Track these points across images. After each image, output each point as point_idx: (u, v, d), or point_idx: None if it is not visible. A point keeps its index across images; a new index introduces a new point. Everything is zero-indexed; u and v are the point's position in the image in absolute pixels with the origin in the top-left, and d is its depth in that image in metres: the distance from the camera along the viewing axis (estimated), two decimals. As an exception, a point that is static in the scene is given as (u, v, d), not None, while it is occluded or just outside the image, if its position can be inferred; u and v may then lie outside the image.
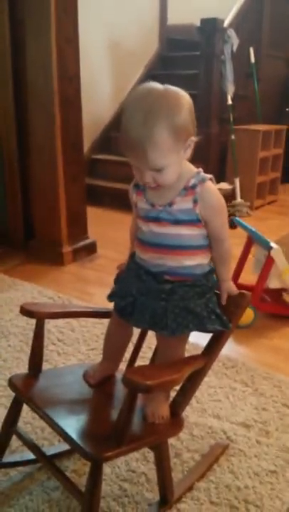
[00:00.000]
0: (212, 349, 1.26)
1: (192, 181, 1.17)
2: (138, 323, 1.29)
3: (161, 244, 1.22)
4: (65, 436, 1.15)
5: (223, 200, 1.21)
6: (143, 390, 1.09)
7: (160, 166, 1.10)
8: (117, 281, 1.36)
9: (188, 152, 1.16)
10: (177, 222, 1.19)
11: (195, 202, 1.17)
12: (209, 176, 1.19)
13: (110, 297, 1.35)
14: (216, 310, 1.24)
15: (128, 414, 1.10)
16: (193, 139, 1.15)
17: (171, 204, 1.18)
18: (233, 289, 1.28)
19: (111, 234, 3.61)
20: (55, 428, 1.19)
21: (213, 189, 1.19)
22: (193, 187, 1.17)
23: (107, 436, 1.13)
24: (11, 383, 1.33)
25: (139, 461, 1.53)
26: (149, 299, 1.24)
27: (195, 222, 1.19)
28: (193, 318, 1.21)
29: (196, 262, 1.23)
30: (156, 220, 1.21)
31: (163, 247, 1.22)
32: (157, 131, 1.06)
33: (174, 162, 1.12)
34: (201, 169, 1.20)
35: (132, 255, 1.33)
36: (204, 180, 1.17)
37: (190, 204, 1.17)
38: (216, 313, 1.23)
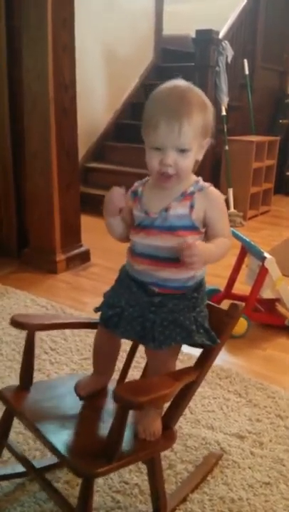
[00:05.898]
0: (203, 363, 1.24)
1: (190, 189, 1.18)
2: (124, 334, 1.26)
3: (154, 256, 1.19)
4: (55, 452, 1.13)
5: (225, 204, 1.23)
6: (134, 407, 1.08)
7: (188, 146, 1.11)
8: (106, 292, 1.33)
9: (202, 153, 1.18)
10: (171, 228, 1.17)
11: (192, 207, 1.16)
12: (208, 184, 1.20)
13: (98, 308, 1.32)
14: (204, 324, 1.22)
15: (119, 430, 1.08)
16: (210, 140, 1.18)
17: (167, 209, 1.17)
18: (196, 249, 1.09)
19: (104, 242, 3.57)
20: (46, 443, 1.16)
21: (217, 192, 1.20)
22: (191, 193, 1.17)
23: (98, 452, 1.10)
24: (2, 396, 1.30)
25: (132, 473, 1.51)
26: (138, 310, 1.22)
27: (189, 228, 1.17)
28: (181, 331, 1.19)
29: (191, 273, 1.21)
30: (150, 228, 1.19)
31: (156, 258, 1.19)
32: (195, 110, 1.11)
33: (195, 150, 1.14)
34: (200, 178, 1.21)
35: (124, 266, 1.31)
36: (202, 189, 1.18)
37: (186, 209, 1.16)
38: (204, 328, 1.21)
